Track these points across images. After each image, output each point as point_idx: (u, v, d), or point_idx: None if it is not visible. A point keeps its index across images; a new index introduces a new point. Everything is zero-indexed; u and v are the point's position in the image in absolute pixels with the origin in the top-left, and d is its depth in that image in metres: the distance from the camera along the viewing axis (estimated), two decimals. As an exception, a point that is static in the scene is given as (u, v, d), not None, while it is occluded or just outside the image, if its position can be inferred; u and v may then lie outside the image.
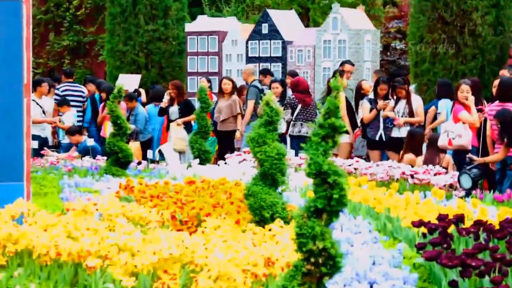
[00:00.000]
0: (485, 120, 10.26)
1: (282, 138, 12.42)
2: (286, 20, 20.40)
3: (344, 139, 12.10)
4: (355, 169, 10.15)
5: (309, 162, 3.74)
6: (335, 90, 3.86)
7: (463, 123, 10.08)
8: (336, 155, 12.16)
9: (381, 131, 11.63)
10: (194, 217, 6.29)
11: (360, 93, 12.52)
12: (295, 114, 12.49)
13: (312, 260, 3.75)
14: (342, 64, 12.93)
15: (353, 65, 13.87)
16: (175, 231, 5.86)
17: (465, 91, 10.34)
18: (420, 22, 15.79)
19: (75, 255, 4.99)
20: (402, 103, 11.50)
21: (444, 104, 11.51)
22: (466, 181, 8.94)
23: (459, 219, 5.83)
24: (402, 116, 11.42)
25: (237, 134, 13.09)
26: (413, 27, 16.09)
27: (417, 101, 11.59)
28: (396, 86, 11.55)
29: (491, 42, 15.42)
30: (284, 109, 12.72)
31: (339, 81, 3.73)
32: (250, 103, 12.96)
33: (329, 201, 3.72)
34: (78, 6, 26.27)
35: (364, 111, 11.83)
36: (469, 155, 9.60)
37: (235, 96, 13.09)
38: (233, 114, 13.12)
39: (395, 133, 11.44)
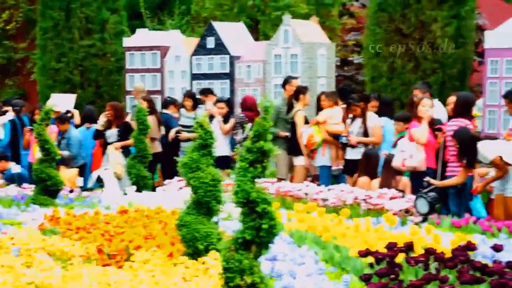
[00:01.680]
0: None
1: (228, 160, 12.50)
2: (233, 33, 20.42)
3: (299, 161, 12.16)
4: (305, 194, 10.18)
5: (236, 190, 3.75)
6: (265, 111, 3.86)
7: (411, 140, 10.19)
8: (292, 178, 12.24)
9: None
10: (123, 250, 6.25)
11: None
12: (245, 134, 12.59)
13: (240, 296, 3.74)
14: (287, 80, 12.93)
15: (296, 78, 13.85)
16: (102, 266, 5.81)
17: (427, 106, 10.42)
18: (377, 34, 15.95)
19: (-14, 296, 4.92)
20: (358, 122, 11.57)
21: (383, 123, 11.68)
22: (423, 206, 9.02)
23: (409, 247, 5.88)
24: (356, 136, 11.49)
25: None
26: (369, 40, 16.24)
27: (373, 120, 11.64)
28: (351, 104, 11.60)
29: (452, 55, 15.61)
30: (234, 129, 12.78)
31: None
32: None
33: (258, 231, 3.73)
34: (8, 20, 26.05)
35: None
36: (427, 178, 9.69)
37: (149, 117, 12.77)
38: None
39: (349, 155, 11.50)
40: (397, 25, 15.72)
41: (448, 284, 4.88)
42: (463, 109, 10.08)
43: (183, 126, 13.34)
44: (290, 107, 12.34)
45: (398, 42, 15.70)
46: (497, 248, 6.16)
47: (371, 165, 10.82)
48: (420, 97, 10.79)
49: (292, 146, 12.21)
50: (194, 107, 13.54)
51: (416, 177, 10.15)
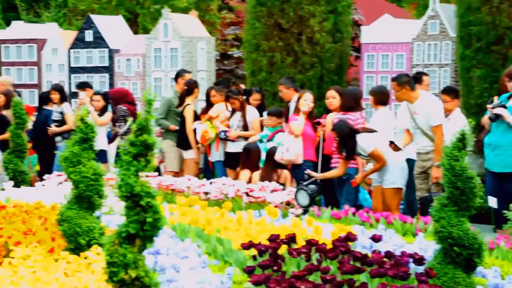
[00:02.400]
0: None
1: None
2: (112, 27, 20.23)
3: (189, 155, 12.16)
4: (187, 187, 10.17)
5: (119, 184, 3.70)
6: (147, 104, 3.83)
7: (290, 133, 10.34)
8: (182, 171, 12.24)
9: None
10: (2, 247, 6.10)
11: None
12: (126, 127, 12.54)
13: (125, 290, 3.70)
14: (180, 74, 12.91)
15: (190, 73, 13.89)
16: (-21, 264, 5.65)
17: (309, 100, 10.59)
18: (256, 29, 16.04)
19: None
20: (237, 115, 11.65)
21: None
22: (303, 198, 9.14)
23: (291, 239, 5.95)
24: (236, 130, 11.57)
25: None
26: (249, 34, 16.32)
27: (253, 114, 11.75)
28: (230, 97, 11.67)
29: (329, 50, 15.85)
30: (117, 122, 12.69)
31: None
32: None
33: (142, 225, 3.70)
34: None
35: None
36: (308, 171, 9.84)
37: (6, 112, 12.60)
38: None
39: (230, 148, 11.57)
40: (276, 19, 15.85)
41: (329, 275, 4.96)
42: (352, 103, 10.35)
43: (54, 120, 13.18)
44: (181, 100, 12.34)
45: (277, 37, 15.84)
46: (376, 239, 6.30)
47: (252, 158, 10.90)
48: (302, 91, 10.96)
49: (182, 140, 12.21)
50: (62, 101, 13.35)
51: (295, 170, 10.31)
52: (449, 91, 11.12)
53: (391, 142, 9.94)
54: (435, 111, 9.57)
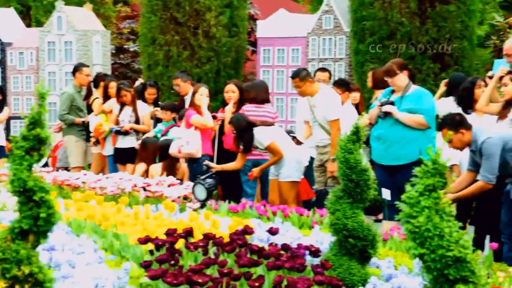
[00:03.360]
0: (221, 127, 10.55)
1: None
2: (4, 19, 19.79)
3: (96, 149, 12.04)
4: (83, 182, 10.03)
5: (12, 179, 3.62)
6: (40, 98, 3.76)
7: (195, 129, 10.32)
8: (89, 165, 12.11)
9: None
10: None
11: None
12: None
13: (18, 287, 3.63)
14: (78, 67, 12.70)
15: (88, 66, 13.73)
16: None
17: (204, 94, 10.59)
18: (152, 22, 15.96)
19: None
20: (128, 109, 11.57)
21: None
22: (200, 192, 9.13)
23: (188, 233, 5.93)
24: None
25: None
26: (145, 28, 16.23)
27: (144, 109, 11.73)
28: (121, 89, 11.57)
29: (226, 44, 15.89)
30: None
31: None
32: None
33: (35, 221, 3.62)
34: None
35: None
36: (206, 161, 9.84)
37: None
38: None
39: (120, 144, 11.52)
40: (172, 13, 15.80)
41: (226, 268, 4.96)
42: (266, 96, 10.54)
43: None
44: (88, 94, 12.21)
45: (174, 31, 15.79)
46: (272, 232, 6.34)
47: (149, 152, 10.83)
48: (198, 85, 10.95)
49: (88, 134, 12.08)
50: None
51: (193, 164, 10.29)
52: (340, 84, 11.31)
53: (291, 135, 10.08)
54: (332, 105, 9.70)
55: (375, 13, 14.84)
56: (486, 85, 9.28)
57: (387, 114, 8.77)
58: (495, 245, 6.96)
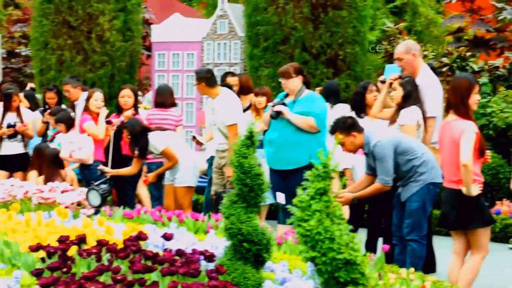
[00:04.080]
0: (116, 133, 10.45)
1: None
2: None
3: None
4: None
5: None
6: None
7: (88, 135, 10.21)
8: None
9: None
10: None
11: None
12: None
13: None
14: None
15: None
16: None
17: (99, 99, 10.50)
18: (44, 26, 15.69)
19: None
20: (13, 116, 11.46)
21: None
22: (94, 198, 9.04)
23: (81, 240, 5.85)
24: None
25: None
26: (37, 32, 15.94)
27: (29, 115, 11.61)
28: (12, 94, 11.42)
29: (120, 48, 15.75)
30: None
31: None
32: None
33: None
34: None
35: None
36: (101, 166, 9.75)
37: None
38: None
39: (4, 151, 11.38)
40: (64, 17, 15.57)
41: (120, 274, 4.91)
42: (172, 100, 10.66)
43: None
44: None
45: (66, 35, 15.56)
46: (167, 237, 6.31)
47: (42, 159, 10.65)
48: (92, 90, 10.85)
49: None
50: None
51: (85, 170, 10.19)
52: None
53: (194, 137, 10.09)
54: (230, 110, 9.71)
55: (269, 18, 14.95)
56: (377, 89, 9.46)
57: (278, 114, 8.86)
58: (387, 247, 7.10)
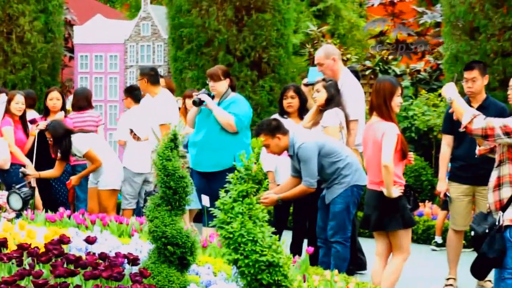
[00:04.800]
0: (41, 135, 10.30)
1: None
2: None
3: None
4: None
5: None
6: None
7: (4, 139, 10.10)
8: None
9: None
10: None
11: None
12: None
13: None
14: None
15: None
16: None
17: (20, 102, 10.36)
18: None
19: None
20: None
21: None
22: (16, 202, 8.91)
23: (2, 244, 5.77)
24: None
25: None
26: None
27: None
28: None
29: (41, 50, 15.56)
30: None
31: None
32: None
33: None
34: None
35: None
36: (22, 169, 9.63)
37: None
38: None
39: None
40: (-16, 18, 15.33)
41: (42, 279, 4.86)
42: (85, 103, 10.55)
43: None
44: None
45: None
46: (90, 241, 6.26)
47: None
48: (13, 93, 10.71)
49: None
50: None
51: (4, 174, 10.05)
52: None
53: (131, 130, 10.02)
54: (167, 109, 9.66)
55: (192, 21, 14.94)
56: (299, 91, 9.53)
57: (201, 102, 8.88)
58: (311, 249, 7.17)
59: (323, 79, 8.70)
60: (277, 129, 8.00)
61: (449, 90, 6.33)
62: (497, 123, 5.92)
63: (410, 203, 7.20)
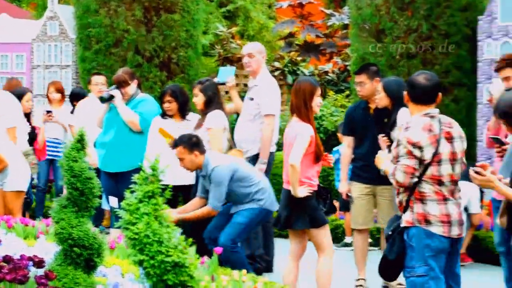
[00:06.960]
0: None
1: None
2: None
3: None
4: None
5: None
6: None
7: None
8: None
9: None
10: None
11: None
12: None
13: None
14: None
15: None
16: None
17: None
18: None
19: None
20: None
21: None
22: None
23: None
24: None
25: None
26: None
27: None
28: None
29: None
30: None
31: None
32: None
33: None
34: None
35: None
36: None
37: None
38: None
39: None
40: None
41: None
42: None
43: None
44: None
45: None
46: (-7, 243, 6.16)
47: None
48: None
49: None
50: None
51: None
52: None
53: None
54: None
55: (100, 20, 14.82)
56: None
57: (110, 98, 8.86)
58: (220, 249, 7.19)
59: (199, 82, 8.81)
60: (196, 146, 8.00)
61: (382, 164, 6.26)
62: (402, 152, 5.89)
63: (326, 206, 7.27)
